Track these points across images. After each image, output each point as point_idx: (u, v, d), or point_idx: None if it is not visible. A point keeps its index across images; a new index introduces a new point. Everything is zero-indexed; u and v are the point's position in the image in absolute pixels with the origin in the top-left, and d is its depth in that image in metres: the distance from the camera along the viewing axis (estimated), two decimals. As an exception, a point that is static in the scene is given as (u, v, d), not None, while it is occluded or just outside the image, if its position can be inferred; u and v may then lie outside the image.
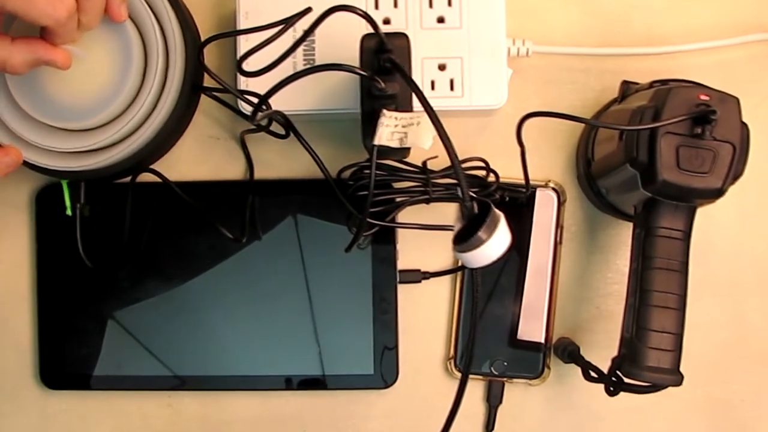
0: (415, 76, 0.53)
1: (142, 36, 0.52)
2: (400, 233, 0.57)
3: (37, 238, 0.58)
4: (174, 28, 0.52)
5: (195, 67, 0.54)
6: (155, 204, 0.57)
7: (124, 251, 0.56)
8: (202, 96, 0.57)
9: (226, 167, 0.58)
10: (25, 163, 0.53)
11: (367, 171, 0.53)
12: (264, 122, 0.54)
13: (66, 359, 0.57)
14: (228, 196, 0.57)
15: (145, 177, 0.57)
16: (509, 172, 0.55)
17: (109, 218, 0.57)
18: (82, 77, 0.51)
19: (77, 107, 0.51)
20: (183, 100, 0.54)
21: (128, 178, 0.56)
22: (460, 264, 0.57)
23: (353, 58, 0.47)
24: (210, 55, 0.56)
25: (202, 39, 0.56)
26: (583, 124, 0.57)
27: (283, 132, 0.54)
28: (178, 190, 0.56)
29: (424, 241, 0.57)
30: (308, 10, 0.47)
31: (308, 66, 0.50)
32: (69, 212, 0.56)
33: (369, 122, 0.47)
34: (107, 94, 0.51)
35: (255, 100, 0.52)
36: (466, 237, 0.42)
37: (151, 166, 0.57)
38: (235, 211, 0.57)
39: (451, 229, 0.45)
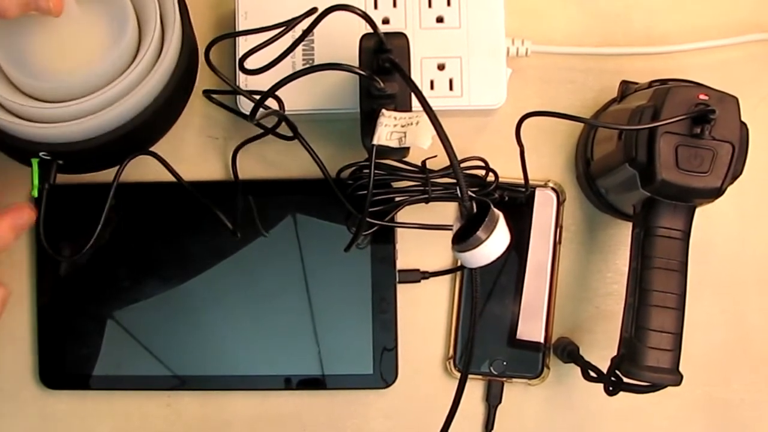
0: (414, 76, 0.53)
1: (138, 15, 0.51)
2: (400, 233, 0.57)
3: (36, 236, 0.58)
4: (174, 4, 0.51)
5: (190, 51, 0.53)
6: (154, 203, 0.57)
7: (95, 244, 0.54)
8: (201, 97, 0.57)
9: (224, 167, 0.58)
10: (9, 140, 0.50)
11: (367, 171, 0.53)
12: (272, 121, 0.54)
13: (65, 359, 0.57)
14: (224, 196, 0.57)
15: (144, 177, 0.57)
16: (508, 171, 0.55)
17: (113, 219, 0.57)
18: (70, 37, 0.49)
19: (60, 67, 0.49)
20: (174, 81, 0.52)
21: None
22: (459, 264, 0.57)
23: (352, 57, 0.47)
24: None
25: (201, 40, 0.56)
26: (582, 124, 0.57)
27: (290, 134, 0.54)
28: (178, 175, 0.55)
29: (423, 240, 0.57)
30: (313, 10, 0.47)
31: (307, 65, 0.50)
32: (35, 193, 0.51)
33: (368, 122, 0.47)
34: (94, 57, 0.49)
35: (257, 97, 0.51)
36: (465, 237, 0.42)
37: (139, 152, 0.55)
38: (230, 212, 0.57)
39: (450, 229, 0.45)
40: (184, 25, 0.52)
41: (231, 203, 0.57)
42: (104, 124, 0.50)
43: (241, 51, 0.53)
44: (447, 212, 0.57)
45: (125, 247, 0.57)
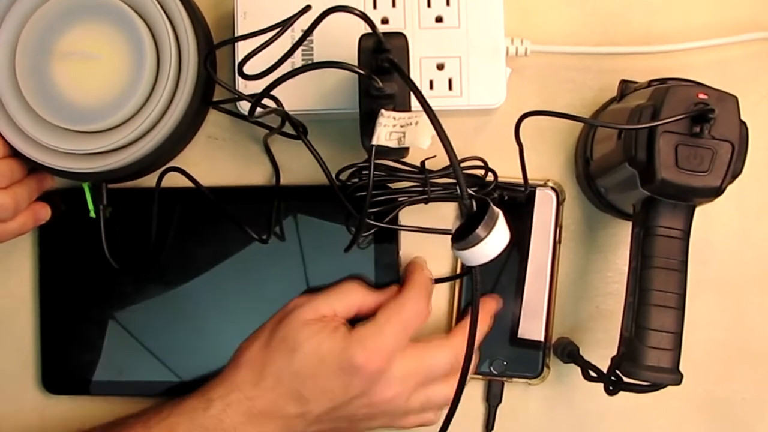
0: (414, 76, 0.53)
1: (154, 37, 0.51)
2: (403, 236, 0.57)
3: (39, 241, 0.58)
4: (186, 29, 0.52)
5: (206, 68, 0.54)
6: (156, 208, 0.57)
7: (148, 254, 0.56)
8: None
9: (224, 168, 0.58)
10: (45, 168, 0.53)
11: (366, 171, 0.53)
12: (278, 121, 0.54)
13: (68, 364, 0.57)
14: (229, 200, 0.57)
15: (144, 182, 0.57)
16: (508, 171, 0.55)
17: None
18: (95, 79, 0.51)
19: (92, 109, 0.51)
20: (196, 100, 0.53)
21: (128, 183, 0.57)
22: (460, 271, 0.57)
23: (352, 57, 0.47)
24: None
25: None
26: (581, 124, 0.57)
27: (295, 132, 0.54)
28: (206, 191, 0.55)
29: (425, 242, 0.57)
30: (307, 8, 0.47)
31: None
32: (92, 214, 0.55)
33: (367, 122, 0.47)
34: (122, 95, 0.51)
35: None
36: (464, 235, 0.42)
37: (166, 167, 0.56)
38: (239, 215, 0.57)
39: (450, 233, 0.45)
40: (199, 38, 0.53)
41: (235, 206, 0.56)
42: (142, 152, 0.52)
43: (240, 54, 0.53)
44: (448, 213, 0.57)
45: (126, 252, 0.57)
